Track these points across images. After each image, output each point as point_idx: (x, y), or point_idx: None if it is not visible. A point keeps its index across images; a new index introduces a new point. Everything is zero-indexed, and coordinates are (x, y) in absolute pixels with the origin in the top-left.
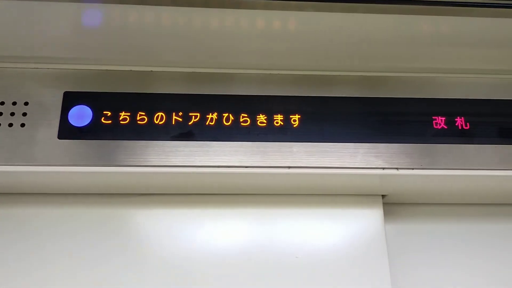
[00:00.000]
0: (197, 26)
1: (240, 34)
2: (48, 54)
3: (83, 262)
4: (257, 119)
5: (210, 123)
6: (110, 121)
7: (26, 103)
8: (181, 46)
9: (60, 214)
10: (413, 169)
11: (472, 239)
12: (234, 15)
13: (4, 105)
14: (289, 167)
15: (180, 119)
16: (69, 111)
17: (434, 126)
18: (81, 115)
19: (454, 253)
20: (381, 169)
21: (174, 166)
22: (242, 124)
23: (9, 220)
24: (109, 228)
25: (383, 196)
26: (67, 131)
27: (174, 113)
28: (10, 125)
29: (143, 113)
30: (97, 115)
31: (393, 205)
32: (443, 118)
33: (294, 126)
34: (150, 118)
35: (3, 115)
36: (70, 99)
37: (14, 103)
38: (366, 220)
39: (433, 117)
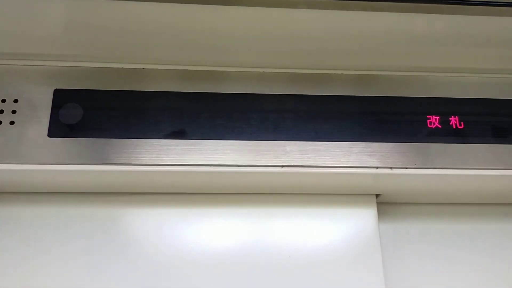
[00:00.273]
0: (190, 23)
1: (233, 31)
2: (38, 51)
3: (73, 262)
4: (251, 118)
5: (203, 121)
6: (101, 119)
7: (15, 101)
8: (173, 43)
9: (49, 213)
10: (407, 168)
11: (466, 238)
12: (227, 12)
13: None
14: (282, 166)
15: (172, 117)
16: (59, 109)
17: (428, 125)
18: (71, 113)
19: (448, 252)
20: (375, 168)
21: (166, 164)
22: (235, 122)
23: None
24: (100, 228)
25: (377, 195)
26: (57, 129)
27: (166, 111)
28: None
29: (135, 111)
30: (87, 113)
31: (387, 204)
32: (437, 117)
33: (288, 124)
34: (142, 116)
35: None
36: (61, 97)
37: (3, 101)
38: (360, 220)
39: (427, 116)
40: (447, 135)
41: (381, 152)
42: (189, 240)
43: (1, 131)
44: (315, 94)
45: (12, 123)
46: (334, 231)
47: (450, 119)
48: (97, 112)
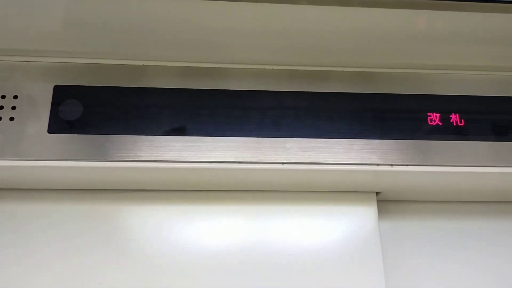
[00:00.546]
0: (191, 20)
1: (233, 28)
2: (38, 47)
3: (72, 258)
4: (251, 114)
5: (203, 118)
6: (101, 116)
7: (15, 97)
8: (173, 40)
9: (49, 210)
10: (407, 165)
11: (466, 236)
12: (227, 8)
13: None
14: (282, 163)
15: (173, 114)
16: (59, 105)
17: (429, 123)
18: (71, 109)
19: (448, 250)
20: (376, 165)
21: (166, 161)
22: (235, 119)
23: None
24: (99, 225)
25: (377, 193)
26: (57, 125)
27: (166, 108)
28: None
29: (135, 108)
30: (87, 109)
31: (387, 202)
32: (438, 115)
33: (288, 121)
34: (142, 113)
35: None
36: (61, 93)
37: (3, 97)
38: (360, 217)
39: (428, 114)
40: (447, 132)
41: (382, 149)
42: (189, 237)
43: (1, 127)
44: (316, 91)
45: (11, 119)
46: (334, 228)
47: (450, 116)
48: (97, 109)
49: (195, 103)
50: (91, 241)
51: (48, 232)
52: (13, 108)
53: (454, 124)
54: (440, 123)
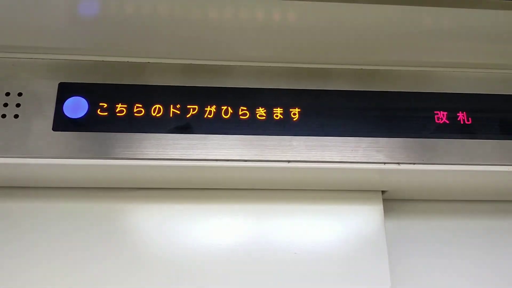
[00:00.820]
0: (195, 17)
1: (238, 25)
2: (43, 44)
3: (77, 257)
4: (257, 112)
5: (209, 116)
6: (106, 113)
7: (20, 94)
8: (179, 37)
9: (54, 209)
10: (414, 164)
11: (472, 236)
12: (232, 6)
13: None
14: (288, 161)
15: (178, 112)
16: (64, 103)
17: (436, 121)
18: (76, 107)
19: (454, 250)
20: (382, 164)
21: (172, 159)
22: (241, 117)
23: (1, 214)
24: (104, 223)
25: (383, 192)
26: (62, 123)
27: (171, 106)
28: (3, 116)
29: (140, 105)
30: (93, 107)
31: (393, 201)
32: (445, 113)
33: (294, 119)
34: (147, 111)
35: None
36: (65, 90)
37: (8, 94)
38: (366, 216)
39: (435, 112)
40: (455, 130)
41: (389, 148)
42: (194, 235)
43: (5, 125)
44: (322, 89)
45: (16, 116)
46: (340, 227)
47: (458, 114)
48: (102, 106)
49: (201, 101)
50: (96, 239)
51: (52, 230)
52: (18, 105)
53: (462, 122)
54: (447, 121)
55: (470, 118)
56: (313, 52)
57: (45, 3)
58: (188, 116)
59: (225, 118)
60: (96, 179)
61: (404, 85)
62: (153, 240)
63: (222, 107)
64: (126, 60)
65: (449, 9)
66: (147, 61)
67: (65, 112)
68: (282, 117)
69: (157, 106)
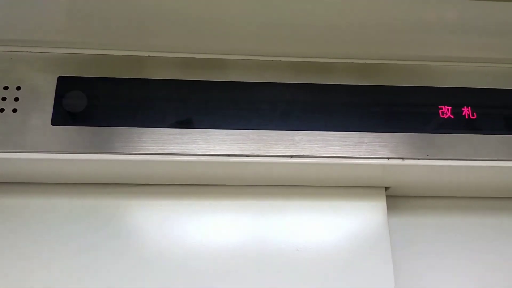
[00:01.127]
0: (196, 10)
1: (242, 19)
2: (42, 38)
3: (76, 253)
4: (259, 106)
5: (210, 110)
6: (105, 107)
7: (18, 88)
8: (180, 31)
9: (52, 205)
10: (419, 159)
11: (476, 233)
12: None
13: None
14: (291, 156)
15: (179, 106)
16: (63, 97)
17: (441, 116)
18: (75, 101)
19: (458, 247)
20: (386, 159)
21: (172, 154)
22: (243, 111)
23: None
24: (103, 220)
25: (386, 188)
26: (61, 117)
27: (172, 100)
28: (1, 110)
29: (140, 99)
30: (92, 101)
31: (396, 198)
32: (450, 108)
33: (297, 114)
34: (147, 104)
35: None
36: (64, 84)
37: (6, 88)
38: (369, 213)
39: (440, 107)
40: (459, 125)
41: (393, 143)
42: (194, 232)
43: (3, 119)
44: (325, 83)
45: (14, 110)
46: (343, 224)
47: (462, 109)
48: (101, 100)
49: (202, 95)
50: (95, 237)
51: (51, 227)
52: (16, 99)
53: (466, 117)
54: (452, 116)
55: (475, 113)
56: (317, 47)
57: None
58: (188, 110)
59: (226, 112)
60: (95, 174)
61: (408, 80)
62: (153, 237)
63: (224, 101)
64: (126, 54)
65: (453, 2)
66: (147, 55)
67: (64, 106)
68: (285, 111)
69: (158, 100)
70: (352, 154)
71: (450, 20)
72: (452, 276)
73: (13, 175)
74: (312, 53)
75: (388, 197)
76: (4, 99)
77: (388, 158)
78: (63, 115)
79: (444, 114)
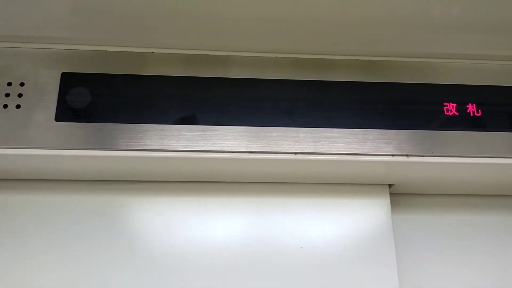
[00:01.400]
0: (200, 7)
1: (246, 16)
2: (45, 34)
3: (78, 251)
4: (263, 103)
5: (214, 106)
6: (109, 104)
7: (22, 84)
8: (183, 27)
9: (55, 202)
10: (423, 156)
11: (480, 231)
12: None
13: None
14: (295, 153)
15: (182, 102)
16: (67, 93)
17: (445, 113)
18: (79, 97)
19: (462, 245)
20: (391, 156)
21: (176, 150)
22: (247, 108)
23: (2, 207)
24: (106, 217)
25: (390, 186)
26: (64, 113)
27: (176, 96)
28: (5, 106)
29: (144, 96)
30: (96, 97)
31: (400, 195)
32: (455, 105)
33: (301, 111)
34: (151, 101)
35: None
36: (68, 81)
37: (10, 84)
38: (372, 210)
39: (445, 104)
40: (464, 123)
41: (397, 140)
42: (198, 229)
43: (7, 115)
44: (330, 80)
45: (18, 106)
46: (347, 221)
47: (467, 106)
48: (105, 97)
49: (206, 92)
50: (98, 234)
51: (54, 223)
52: (20, 95)
53: (471, 115)
54: (457, 113)
55: (480, 110)
56: (322, 43)
57: None
58: (192, 107)
59: (230, 109)
60: (98, 171)
61: (413, 77)
62: (157, 234)
63: (228, 98)
64: (130, 50)
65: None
66: (151, 51)
67: (67, 103)
68: (288, 108)
69: (162, 96)
70: (356, 151)
71: (455, 17)
72: (456, 273)
73: (17, 172)
74: (316, 49)
75: (391, 194)
76: (7, 95)
77: (393, 155)
78: (67, 111)
79: (449, 111)
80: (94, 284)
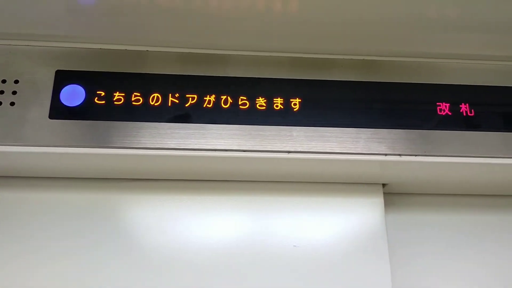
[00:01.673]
0: (195, 5)
1: (239, 14)
2: (40, 31)
3: (72, 249)
4: (257, 102)
5: (208, 105)
6: (103, 102)
7: (16, 81)
8: (178, 25)
9: (49, 199)
10: (416, 155)
11: (474, 230)
12: None
13: None
14: (288, 152)
15: (177, 101)
16: (61, 91)
17: (439, 113)
18: (73, 95)
19: (455, 245)
20: (384, 155)
21: (170, 148)
22: (240, 107)
23: None
24: (100, 215)
25: (383, 185)
26: (58, 111)
27: (170, 95)
28: None
29: (138, 94)
30: (90, 95)
31: (394, 195)
32: (448, 105)
33: (295, 110)
34: (145, 99)
35: None
36: (62, 78)
37: (4, 81)
38: (366, 210)
39: (438, 103)
40: (457, 122)
41: (390, 139)
42: (191, 227)
43: (1, 112)
44: (324, 79)
45: (12, 104)
46: (340, 220)
47: (460, 106)
48: (99, 94)
49: (200, 90)
50: (92, 232)
51: (48, 221)
52: (14, 93)
53: (464, 114)
54: (450, 113)
55: (473, 110)
56: (315, 43)
57: None
58: (186, 105)
59: (224, 107)
60: (92, 168)
61: (406, 76)
62: (150, 231)
63: (222, 97)
64: (124, 48)
65: (452, 0)
66: (145, 50)
67: (61, 100)
68: (282, 107)
69: (155, 94)
70: (349, 150)
71: (448, 17)
72: (449, 273)
73: (10, 169)
74: (310, 49)
75: (385, 194)
76: (2, 92)
77: (386, 154)
78: (61, 109)
79: (442, 111)
80: (88, 281)
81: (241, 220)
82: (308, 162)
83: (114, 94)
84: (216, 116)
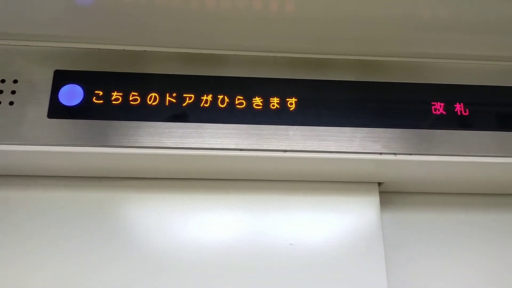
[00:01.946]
0: (193, 5)
1: (237, 15)
2: (39, 32)
3: (70, 248)
4: (253, 101)
5: (205, 104)
6: (101, 101)
7: (15, 81)
8: (176, 26)
9: (47, 198)
10: (411, 154)
11: (469, 229)
12: None
13: None
14: (284, 151)
15: (174, 100)
16: (59, 90)
17: (433, 112)
18: (72, 94)
19: (451, 243)
20: (379, 154)
21: (167, 147)
22: (237, 106)
23: None
24: (97, 213)
25: (379, 184)
26: (57, 110)
27: (167, 94)
28: None
29: (136, 93)
30: (88, 95)
31: (390, 193)
32: (442, 104)
33: (291, 109)
34: (143, 99)
35: None
36: (61, 78)
37: (3, 81)
38: (362, 208)
39: (432, 103)
40: (452, 122)
41: (385, 138)
42: (188, 226)
43: (0, 112)
44: (319, 79)
45: (11, 103)
46: (336, 219)
47: (455, 105)
48: (97, 94)
49: (197, 90)
50: (89, 230)
51: (45, 220)
52: (13, 92)
53: (459, 114)
54: (444, 112)
55: (467, 110)
56: (311, 43)
57: None
58: (184, 104)
59: (221, 107)
60: (90, 167)
61: (401, 76)
62: (147, 230)
63: (219, 96)
64: (122, 48)
65: (447, 0)
66: (143, 49)
67: (60, 100)
68: (278, 106)
69: (153, 94)
70: (345, 149)
71: (443, 17)
72: (444, 270)
73: (9, 168)
74: (307, 49)
75: (381, 193)
76: (1, 92)
77: (381, 153)
78: (59, 108)
79: (437, 111)
80: (87, 279)
81: (237, 218)
82: (304, 161)
83: (112, 93)
84: (213, 115)
